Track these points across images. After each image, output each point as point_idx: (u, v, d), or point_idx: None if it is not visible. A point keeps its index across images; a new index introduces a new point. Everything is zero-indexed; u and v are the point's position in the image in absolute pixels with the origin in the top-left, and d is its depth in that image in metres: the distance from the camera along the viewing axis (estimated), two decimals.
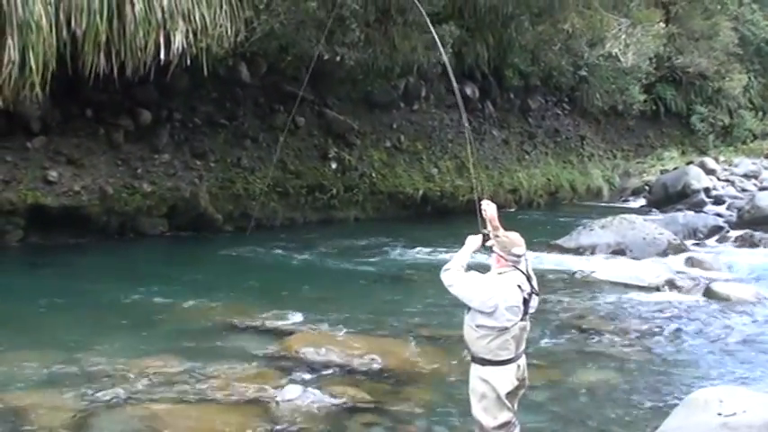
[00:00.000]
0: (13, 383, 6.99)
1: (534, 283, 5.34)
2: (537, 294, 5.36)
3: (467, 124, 8.03)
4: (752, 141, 30.91)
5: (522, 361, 5.34)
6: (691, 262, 13.73)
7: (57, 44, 11.40)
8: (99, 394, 6.75)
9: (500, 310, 5.15)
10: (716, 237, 17.24)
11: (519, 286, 5.21)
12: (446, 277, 5.39)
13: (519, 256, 5.31)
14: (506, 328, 5.18)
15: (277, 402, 6.57)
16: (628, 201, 25.11)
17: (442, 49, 9.24)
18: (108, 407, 6.53)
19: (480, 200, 5.64)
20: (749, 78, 31.49)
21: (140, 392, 6.82)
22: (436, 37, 8.96)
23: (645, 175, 26.86)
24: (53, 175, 13.71)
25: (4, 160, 13.40)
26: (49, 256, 12.94)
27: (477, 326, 5.24)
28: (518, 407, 5.41)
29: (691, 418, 5.60)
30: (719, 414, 5.48)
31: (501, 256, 5.34)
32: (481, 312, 5.20)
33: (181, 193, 15.27)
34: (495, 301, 5.15)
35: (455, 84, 7.26)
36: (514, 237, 5.38)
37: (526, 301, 5.24)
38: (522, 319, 5.24)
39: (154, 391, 6.88)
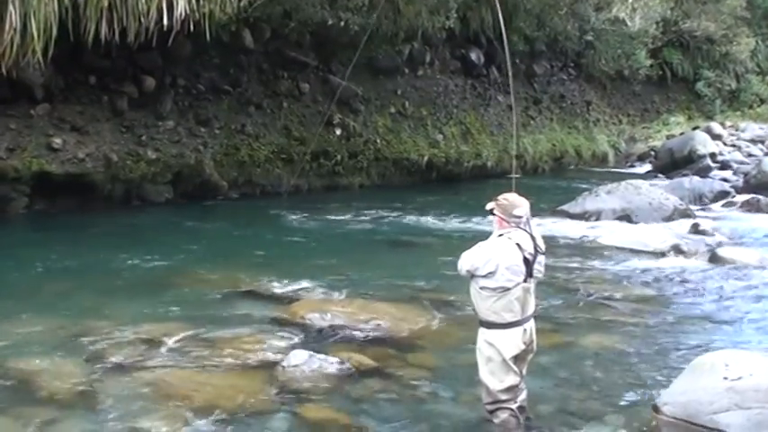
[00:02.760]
0: (19, 349, 7.01)
1: (540, 242, 5.34)
2: (542, 253, 5.36)
3: (513, 106, 7.96)
4: (759, 106, 30.77)
5: (530, 325, 5.35)
6: (696, 227, 13.69)
7: (58, 10, 11.31)
8: (104, 360, 6.77)
9: (500, 270, 5.18)
10: (722, 202, 17.21)
11: (518, 245, 5.22)
12: (458, 265, 5.40)
13: (520, 217, 5.31)
14: (508, 289, 5.20)
15: (283, 367, 6.58)
16: (633, 166, 25.06)
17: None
18: (113, 373, 6.54)
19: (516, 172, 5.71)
20: (756, 42, 31.23)
21: (146, 358, 6.84)
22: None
23: (651, 140, 26.79)
24: (57, 142, 13.68)
25: (8, 128, 13.36)
26: (54, 223, 12.95)
27: (481, 288, 5.28)
28: (525, 371, 5.42)
29: (697, 383, 5.61)
30: (725, 378, 5.49)
31: (502, 219, 5.35)
32: (483, 275, 5.21)
33: (185, 159, 15.24)
34: (494, 263, 5.20)
35: (508, 59, 7.26)
36: (514, 198, 5.38)
37: (528, 261, 5.25)
38: (525, 281, 5.24)
39: (159, 357, 6.90)
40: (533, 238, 5.31)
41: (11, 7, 10.81)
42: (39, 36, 11.12)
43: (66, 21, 11.59)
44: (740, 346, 7.41)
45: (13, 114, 13.51)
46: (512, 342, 5.26)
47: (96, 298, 8.78)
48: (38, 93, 13.75)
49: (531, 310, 5.35)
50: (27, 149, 13.36)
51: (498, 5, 9.80)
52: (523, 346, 5.30)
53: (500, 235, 5.31)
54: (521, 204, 5.33)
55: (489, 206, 5.42)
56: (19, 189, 13.35)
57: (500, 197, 5.41)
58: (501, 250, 5.22)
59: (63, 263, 10.44)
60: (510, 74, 7.41)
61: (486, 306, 5.25)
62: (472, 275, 5.32)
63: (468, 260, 5.32)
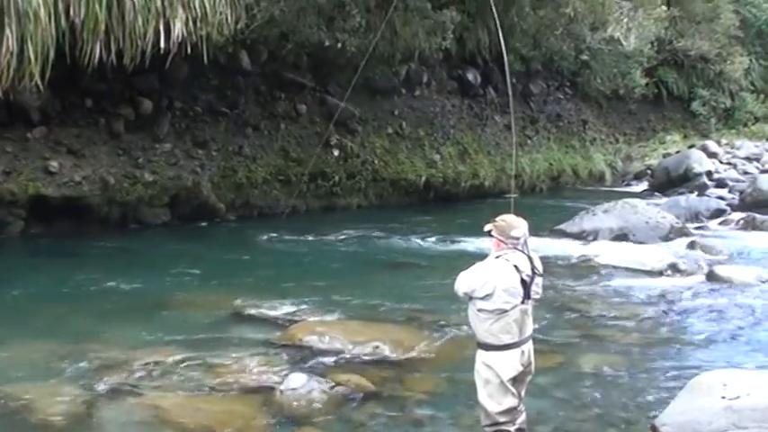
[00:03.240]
0: (16, 374, 6.99)
1: (537, 263, 5.33)
2: (540, 275, 5.35)
3: (513, 126, 8.00)
4: (753, 124, 30.85)
5: (528, 346, 5.33)
6: (693, 245, 13.71)
7: (55, 33, 11.35)
8: (101, 385, 6.75)
9: (497, 293, 5.16)
10: (718, 220, 17.22)
11: (516, 267, 5.21)
12: (455, 287, 5.39)
13: (518, 239, 5.30)
14: (505, 311, 5.18)
15: (281, 391, 6.56)
16: (630, 185, 25.08)
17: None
18: (111, 397, 6.53)
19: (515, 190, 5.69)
20: (750, 61, 31.36)
21: (143, 383, 6.82)
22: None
23: (647, 158, 26.83)
24: (54, 165, 13.68)
25: (5, 151, 13.37)
26: (51, 246, 12.94)
27: (479, 310, 5.26)
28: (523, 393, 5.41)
29: (695, 402, 5.59)
30: (723, 397, 5.47)
31: (500, 240, 5.33)
32: (480, 297, 5.21)
33: (182, 182, 15.24)
34: (491, 285, 5.17)
35: (509, 85, 7.31)
36: (512, 219, 5.36)
37: (525, 283, 5.23)
38: (522, 302, 5.23)
39: (157, 382, 6.88)
40: (531, 260, 5.30)
41: (7, 30, 10.85)
42: (35, 59, 11.15)
43: (63, 44, 11.63)
44: (738, 365, 7.41)
45: (10, 137, 13.52)
46: (509, 364, 5.24)
47: (92, 322, 8.76)
48: (34, 116, 13.77)
49: (528, 331, 5.33)
50: (23, 173, 13.36)
51: (499, 25, 9.82)
52: (521, 368, 5.28)
53: (497, 257, 5.30)
54: (518, 226, 5.32)
55: (487, 228, 5.42)
56: (15, 212, 13.33)
57: (498, 218, 5.40)
58: (498, 272, 5.20)
59: (59, 287, 10.41)
60: (510, 93, 7.42)
61: (484, 328, 5.24)
62: (470, 297, 5.32)
63: (465, 282, 5.32)
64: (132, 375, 6.98)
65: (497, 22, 9.74)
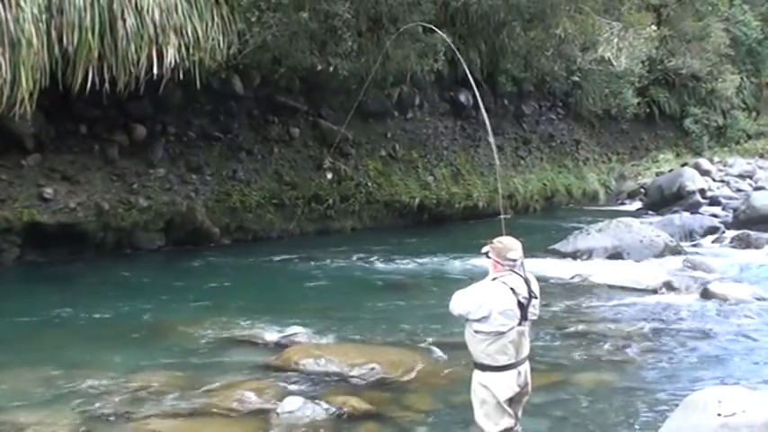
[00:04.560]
0: (12, 401, 6.97)
1: (534, 286, 5.34)
2: (536, 298, 5.36)
3: (493, 145, 8.04)
4: (746, 141, 31.07)
5: (525, 367, 5.33)
6: (688, 263, 13.75)
7: (48, 60, 11.40)
8: (98, 410, 6.74)
9: (494, 315, 5.17)
10: (712, 237, 17.28)
11: (513, 290, 5.22)
12: (450, 306, 5.40)
13: (514, 261, 5.31)
14: (502, 333, 5.19)
15: (277, 414, 6.55)
16: (624, 204, 25.17)
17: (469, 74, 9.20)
18: (107, 423, 6.51)
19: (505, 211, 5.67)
20: (741, 79, 31.61)
21: (140, 407, 6.81)
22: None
23: (640, 177, 26.94)
24: (48, 192, 13.69)
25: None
26: (46, 273, 12.91)
27: (475, 331, 5.26)
28: (520, 413, 5.41)
29: (690, 420, 5.59)
30: (719, 414, 5.47)
31: (497, 262, 5.34)
32: (476, 320, 5.22)
33: (177, 207, 15.25)
34: (487, 308, 5.18)
35: (484, 113, 7.40)
36: (508, 242, 5.37)
37: (522, 305, 5.25)
38: (519, 324, 5.24)
39: (153, 406, 6.86)
40: (527, 282, 5.31)
41: (1, 58, 10.89)
42: (28, 86, 11.19)
43: (56, 71, 11.67)
44: (733, 382, 7.42)
45: (4, 165, 13.53)
46: (506, 385, 5.24)
47: (88, 347, 8.75)
48: (28, 143, 13.78)
49: (525, 352, 5.34)
50: (18, 200, 13.36)
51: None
52: (518, 389, 5.28)
53: (494, 279, 5.31)
54: (515, 248, 5.33)
55: (485, 250, 5.44)
56: (10, 240, 13.33)
57: (495, 240, 5.40)
58: (494, 295, 5.21)
59: (55, 313, 10.38)
60: (485, 112, 7.46)
61: (480, 349, 5.25)
62: (466, 318, 5.33)
63: (460, 303, 5.33)
64: (129, 400, 6.97)
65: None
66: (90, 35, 11.62)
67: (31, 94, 11.26)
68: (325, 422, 6.49)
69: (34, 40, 11.07)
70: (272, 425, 6.46)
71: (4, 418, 6.53)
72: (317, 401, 6.74)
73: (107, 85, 12.15)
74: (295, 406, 6.62)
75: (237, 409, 6.83)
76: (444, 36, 10.38)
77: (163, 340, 9.16)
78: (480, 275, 5.53)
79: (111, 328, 9.73)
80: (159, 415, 6.68)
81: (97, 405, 6.86)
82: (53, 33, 11.41)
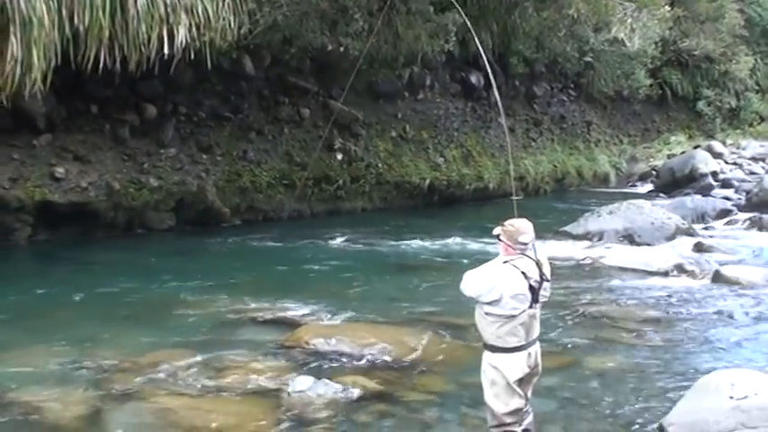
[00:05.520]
0: (26, 379, 7.02)
1: (545, 269, 5.32)
2: (547, 281, 5.34)
3: (505, 127, 8.01)
4: (759, 124, 30.82)
5: (535, 348, 5.32)
6: (699, 246, 13.69)
7: (60, 40, 11.38)
8: (111, 388, 6.77)
9: (505, 299, 5.14)
10: (724, 220, 17.21)
11: (524, 273, 5.19)
12: (461, 287, 5.38)
13: (526, 244, 5.28)
14: (513, 316, 5.18)
15: (288, 393, 6.57)
16: (635, 186, 25.07)
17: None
18: (120, 401, 6.55)
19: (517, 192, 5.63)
20: (755, 60, 31.34)
21: (152, 386, 6.85)
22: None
23: (652, 159, 26.82)
24: (60, 171, 13.74)
25: (11, 158, 13.43)
26: (58, 252, 12.97)
27: (486, 313, 5.24)
28: (530, 394, 5.41)
29: (702, 402, 5.60)
30: (731, 397, 5.48)
31: (508, 245, 5.30)
32: (487, 302, 5.20)
33: (187, 187, 15.28)
34: (498, 291, 5.14)
35: (497, 94, 7.31)
36: (520, 224, 5.31)
37: (534, 289, 5.22)
38: (530, 307, 5.22)
39: (165, 385, 6.90)
40: (539, 265, 5.28)
41: (12, 38, 10.87)
42: (40, 66, 11.18)
43: (68, 50, 11.66)
44: (745, 365, 7.40)
45: (16, 144, 13.59)
46: (516, 366, 5.24)
47: (100, 326, 8.78)
48: (40, 123, 13.82)
49: (535, 334, 5.33)
50: (30, 179, 13.42)
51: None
52: (528, 370, 5.28)
53: (505, 262, 5.27)
54: (527, 231, 5.27)
55: (496, 232, 5.40)
56: (22, 219, 13.38)
57: (506, 223, 5.34)
58: (506, 279, 5.17)
59: (67, 292, 10.43)
60: (497, 93, 7.41)
61: (491, 331, 5.23)
62: (477, 300, 5.31)
63: (471, 285, 5.30)
64: (141, 378, 7.00)
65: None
66: (101, 14, 11.58)
67: (43, 74, 11.25)
68: (336, 402, 6.50)
69: (45, 20, 11.04)
70: (282, 404, 6.48)
71: (17, 395, 6.57)
72: (327, 381, 6.75)
73: (118, 64, 12.13)
74: (306, 385, 6.63)
75: (248, 388, 6.85)
76: (460, 10, 10.23)
77: (174, 319, 9.20)
78: (491, 257, 5.51)
79: (123, 306, 9.78)
80: (170, 393, 6.71)
81: (109, 383, 6.90)
82: (64, 12, 11.37)
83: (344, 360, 7.65)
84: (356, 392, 6.68)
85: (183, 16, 12.37)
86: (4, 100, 11.27)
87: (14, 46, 10.81)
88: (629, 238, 14.53)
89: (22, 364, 7.43)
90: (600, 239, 14.53)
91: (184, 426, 6.06)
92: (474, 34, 9.20)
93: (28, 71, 11.08)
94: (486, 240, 12.66)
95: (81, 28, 11.47)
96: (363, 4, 15.58)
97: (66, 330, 8.58)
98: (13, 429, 6.01)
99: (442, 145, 20.25)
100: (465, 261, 12.00)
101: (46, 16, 11.02)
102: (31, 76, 11.13)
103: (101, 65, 11.95)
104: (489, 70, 8.45)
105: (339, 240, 14.62)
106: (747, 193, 19.77)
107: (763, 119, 31.17)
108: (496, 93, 7.63)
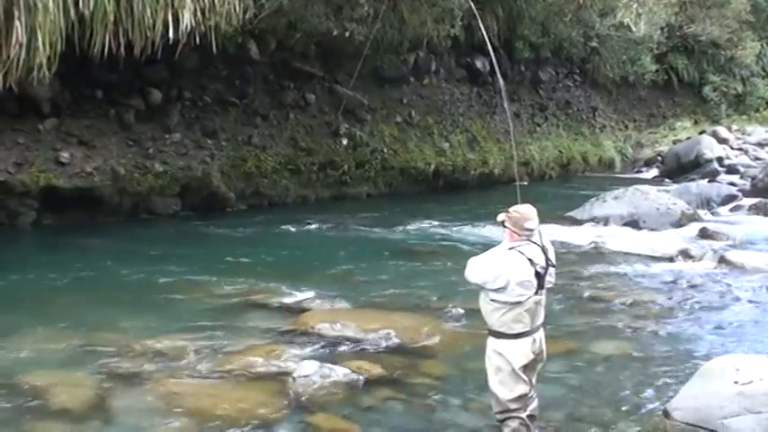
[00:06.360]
0: (31, 363, 7.05)
1: (551, 255, 5.31)
2: (553, 266, 5.34)
3: (509, 112, 7.98)
4: (765, 110, 30.71)
5: (539, 335, 5.33)
6: (704, 231, 13.68)
7: (65, 25, 11.37)
8: (116, 373, 6.80)
9: (511, 286, 5.14)
10: (729, 206, 17.18)
11: (530, 260, 5.19)
12: (466, 274, 5.38)
13: (531, 230, 5.27)
14: (519, 303, 5.18)
15: (293, 378, 6.59)
16: (640, 171, 25.02)
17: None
18: (125, 385, 6.58)
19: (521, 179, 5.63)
20: (762, 46, 31.20)
21: (157, 370, 6.87)
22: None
23: (657, 145, 26.74)
24: (65, 156, 13.74)
25: (16, 143, 13.43)
26: (63, 237, 12.99)
27: (491, 300, 5.24)
28: (535, 380, 5.42)
29: (707, 387, 5.60)
30: (736, 382, 5.48)
31: (513, 232, 5.29)
32: (493, 289, 5.20)
33: (192, 172, 15.27)
34: (504, 278, 5.14)
35: (501, 80, 7.29)
36: (525, 211, 5.30)
37: (540, 275, 5.22)
38: (536, 293, 5.22)
39: (170, 369, 6.92)
40: (545, 251, 5.28)
41: (17, 22, 10.86)
42: (45, 50, 11.18)
43: (73, 35, 11.65)
44: (750, 350, 7.41)
45: (21, 129, 13.58)
46: (521, 352, 5.24)
47: (105, 310, 8.81)
48: (45, 107, 13.82)
49: (540, 320, 5.33)
50: (35, 164, 13.42)
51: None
52: (533, 356, 5.28)
53: (510, 248, 5.26)
54: (532, 217, 5.26)
55: (500, 218, 5.38)
56: (27, 203, 13.39)
57: (511, 209, 5.33)
58: (512, 265, 5.17)
59: (72, 276, 10.46)
60: (501, 79, 7.39)
61: (496, 317, 5.24)
62: (482, 287, 5.31)
63: (476, 272, 5.30)
64: (146, 362, 7.03)
65: None
66: None
67: (48, 59, 11.25)
68: (341, 387, 6.52)
69: (50, 4, 11.03)
70: (287, 388, 6.50)
71: (23, 378, 6.59)
72: (332, 366, 6.76)
73: (123, 49, 12.12)
74: (311, 370, 6.65)
75: (254, 373, 6.88)
76: None
77: (179, 304, 9.22)
78: (496, 243, 5.50)
79: (128, 291, 9.80)
80: (176, 376, 6.74)
81: (114, 367, 6.93)
82: None
83: (350, 345, 7.66)
84: (361, 377, 6.70)
85: (188, 1, 12.35)
86: (10, 84, 11.27)
87: (19, 30, 10.81)
88: (635, 223, 14.53)
89: (28, 348, 7.46)
90: (605, 224, 14.54)
91: (189, 410, 6.08)
92: (479, 19, 9.13)
93: (33, 56, 11.08)
94: (491, 226, 12.65)
95: (86, 12, 11.47)
96: None
97: (71, 315, 8.61)
98: (19, 413, 6.04)
99: (448, 130, 20.21)
100: (470, 247, 12.02)
101: (51, 1, 11.01)
102: (36, 60, 11.14)
103: (106, 49, 11.96)
104: (492, 56, 8.39)
105: (344, 226, 14.61)
106: (753, 178, 19.72)
107: None
108: (501, 79, 7.59)
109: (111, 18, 11.73)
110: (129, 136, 14.84)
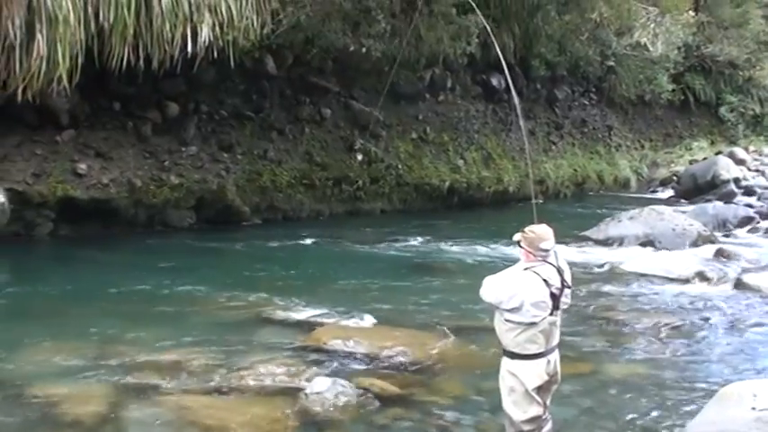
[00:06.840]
0: (45, 374, 7.06)
1: (567, 275, 5.28)
2: (569, 287, 5.30)
3: (524, 129, 7.98)
4: None
5: (554, 356, 5.29)
6: (721, 253, 13.57)
7: (84, 38, 11.46)
8: (128, 385, 6.80)
9: (525, 306, 5.11)
10: (746, 228, 17.04)
11: (545, 281, 5.16)
12: (481, 293, 5.36)
13: (547, 251, 5.24)
14: (534, 323, 5.15)
15: (306, 394, 6.56)
16: (656, 191, 24.90)
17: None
18: (138, 397, 6.58)
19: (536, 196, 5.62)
20: None
21: (170, 384, 6.86)
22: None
23: (673, 165, 26.64)
24: (82, 167, 13.81)
25: (35, 153, 13.52)
26: (79, 248, 13.03)
27: (506, 320, 5.22)
28: (549, 402, 5.37)
29: (724, 413, 5.54)
30: (753, 408, 5.41)
31: (529, 252, 5.27)
32: (508, 309, 5.17)
33: (208, 185, 15.32)
34: (519, 299, 5.12)
35: (516, 97, 7.30)
36: (541, 231, 5.28)
37: (555, 296, 5.19)
38: (551, 314, 5.19)
39: (183, 383, 6.91)
40: (560, 272, 5.25)
41: (38, 35, 10.98)
42: (65, 63, 11.27)
43: (92, 48, 11.75)
44: (767, 375, 7.33)
45: (39, 140, 13.68)
46: (535, 373, 5.21)
47: (119, 323, 8.82)
48: (63, 119, 13.91)
49: (555, 341, 5.29)
50: (52, 175, 13.50)
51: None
52: (547, 378, 5.25)
53: (526, 269, 5.23)
54: (548, 238, 5.23)
55: (516, 238, 5.36)
56: (44, 214, 13.47)
57: (527, 229, 5.30)
58: (527, 286, 5.14)
59: (87, 288, 10.50)
60: (516, 96, 7.39)
61: (510, 337, 5.21)
62: (497, 307, 5.28)
63: (491, 292, 5.27)
64: (158, 376, 7.03)
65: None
66: (126, 12, 11.68)
67: (68, 71, 11.34)
68: (353, 404, 6.50)
69: (71, 18, 11.13)
70: (299, 405, 6.48)
71: (36, 390, 6.61)
72: (345, 383, 6.73)
73: (142, 62, 12.21)
74: (323, 386, 6.62)
75: (266, 388, 6.87)
76: (479, 13, 10.21)
77: (192, 317, 9.23)
78: (511, 262, 5.48)
79: (142, 303, 9.81)
80: (188, 391, 6.73)
81: (127, 380, 6.94)
82: (89, 10, 11.47)
83: (362, 362, 7.65)
84: (373, 395, 6.67)
85: (207, 15, 12.45)
86: (29, 96, 11.36)
87: (40, 43, 10.93)
88: (650, 243, 14.42)
89: (41, 359, 7.48)
90: (620, 245, 14.45)
91: (201, 425, 6.07)
92: (493, 38, 9.14)
93: (53, 68, 11.18)
94: (506, 245, 12.61)
95: (106, 26, 11.59)
96: (386, 5, 15.58)
97: (85, 327, 8.62)
98: (32, 425, 6.05)
99: (463, 147, 20.19)
100: (484, 265, 11.99)
101: (71, 14, 11.13)
102: (56, 72, 11.23)
103: (125, 62, 12.05)
104: (507, 73, 8.43)
105: (358, 242, 14.60)
106: None
107: None
108: (516, 97, 7.60)
109: (131, 31, 11.83)
110: (145, 148, 14.91)
